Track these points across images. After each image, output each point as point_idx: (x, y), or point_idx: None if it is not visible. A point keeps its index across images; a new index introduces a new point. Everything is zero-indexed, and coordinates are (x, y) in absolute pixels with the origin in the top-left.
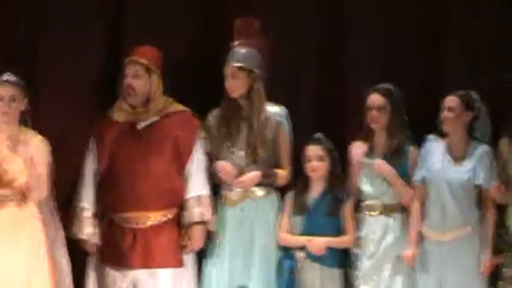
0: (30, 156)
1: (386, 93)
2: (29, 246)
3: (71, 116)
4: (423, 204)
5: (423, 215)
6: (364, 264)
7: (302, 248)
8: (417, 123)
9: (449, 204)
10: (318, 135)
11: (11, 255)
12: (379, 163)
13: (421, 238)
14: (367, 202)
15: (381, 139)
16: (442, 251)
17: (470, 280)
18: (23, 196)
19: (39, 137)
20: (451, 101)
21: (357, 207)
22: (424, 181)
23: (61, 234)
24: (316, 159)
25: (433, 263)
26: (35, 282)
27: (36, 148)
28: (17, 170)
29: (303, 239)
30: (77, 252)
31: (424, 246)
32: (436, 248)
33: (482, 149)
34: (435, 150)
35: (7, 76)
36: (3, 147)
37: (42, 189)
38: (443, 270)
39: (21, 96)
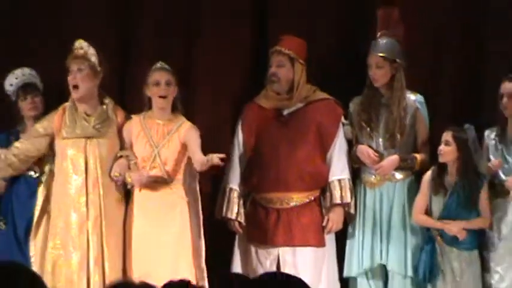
0: (181, 142)
1: None
2: (178, 227)
3: (220, 105)
4: None
5: None
6: (497, 246)
7: (439, 233)
8: None
9: None
10: (466, 125)
11: (162, 236)
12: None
13: None
14: (503, 182)
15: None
16: None
17: None
18: (172, 178)
19: (189, 123)
20: None
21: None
22: None
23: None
24: (444, 143)
25: None
26: (182, 263)
27: (188, 133)
28: (169, 154)
29: (439, 223)
30: (219, 231)
31: None
32: None
33: None
34: None
35: (160, 64)
36: (158, 133)
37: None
38: None
39: (174, 81)
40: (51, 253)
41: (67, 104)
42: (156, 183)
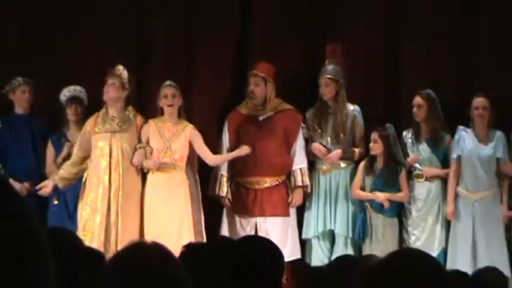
0: (187, 139)
1: (425, 97)
2: (181, 202)
3: (212, 111)
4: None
5: (458, 181)
6: (413, 215)
7: (370, 203)
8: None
9: (480, 173)
10: (387, 125)
11: (168, 208)
12: (427, 170)
13: (456, 198)
14: (416, 172)
15: (423, 128)
16: (473, 207)
17: (494, 226)
18: (178, 165)
19: (192, 125)
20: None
21: (410, 175)
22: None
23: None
24: (373, 141)
25: (467, 214)
26: (185, 229)
27: (192, 133)
28: (178, 147)
29: (370, 195)
30: (212, 205)
31: (459, 203)
32: (469, 204)
33: (499, 134)
34: (466, 136)
35: (169, 82)
36: (169, 131)
37: (207, 156)
38: (475, 219)
39: (179, 94)
40: (84, 216)
41: (101, 111)
42: (165, 168)
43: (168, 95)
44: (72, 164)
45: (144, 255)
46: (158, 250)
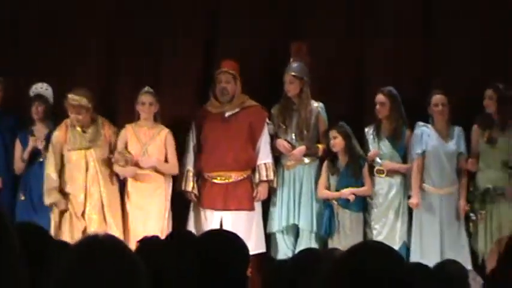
0: (163, 143)
1: (388, 94)
2: (161, 203)
3: (182, 109)
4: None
5: (423, 176)
6: (375, 210)
7: (337, 200)
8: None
9: (446, 168)
10: (340, 123)
11: (150, 210)
12: (386, 164)
13: (421, 193)
14: (377, 167)
15: (385, 125)
16: (438, 202)
17: (458, 220)
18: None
19: (167, 129)
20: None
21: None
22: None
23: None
24: (333, 138)
25: (434, 209)
26: (164, 228)
27: (167, 138)
28: (154, 151)
29: (336, 193)
30: (179, 200)
31: (425, 198)
32: (434, 199)
33: (458, 130)
34: (427, 132)
35: (147, 88)
36: (145, 135)
37: (174, 164)
38: (442, 214)
39: (155, 101)
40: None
41: (69, 124)
42: (143, 171)
43: (146, 103)
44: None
45: (97, 246)
46: (112, 242)
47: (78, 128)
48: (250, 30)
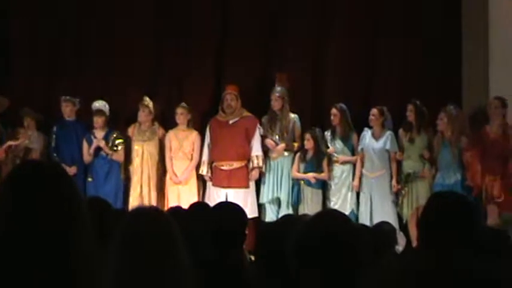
0: (193, 140)
1: (339, 109)
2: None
3: (202, 118)
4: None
5: (363, 165)
6: (332, 188)
7: (304, 181)
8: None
9: (375, 159)
10: (313, 128)
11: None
12: (340, 157)
13: (361, 176)
14: (334, 159)
15: (337, 129)
16: (371, 182)
17: (385, 194)
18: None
19: (196, 132)
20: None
21: (330, 161)
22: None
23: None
24: (307, 140)
25: (367, 188)
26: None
27: (195, 138)
28: (188, 145)
29: (304, 175)
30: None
31: (363, 180)
32: (369, 180)
33: (388, 132)
34: (367, 135)
35: (182, 103)
36: (181, 135)
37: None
38: (372, 191)
39: (187, 112)
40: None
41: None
42: (181, 159)
43: (178, 113)
44: None
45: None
46: (159, 212)
47: (143, 127)
48: (247, 64)
